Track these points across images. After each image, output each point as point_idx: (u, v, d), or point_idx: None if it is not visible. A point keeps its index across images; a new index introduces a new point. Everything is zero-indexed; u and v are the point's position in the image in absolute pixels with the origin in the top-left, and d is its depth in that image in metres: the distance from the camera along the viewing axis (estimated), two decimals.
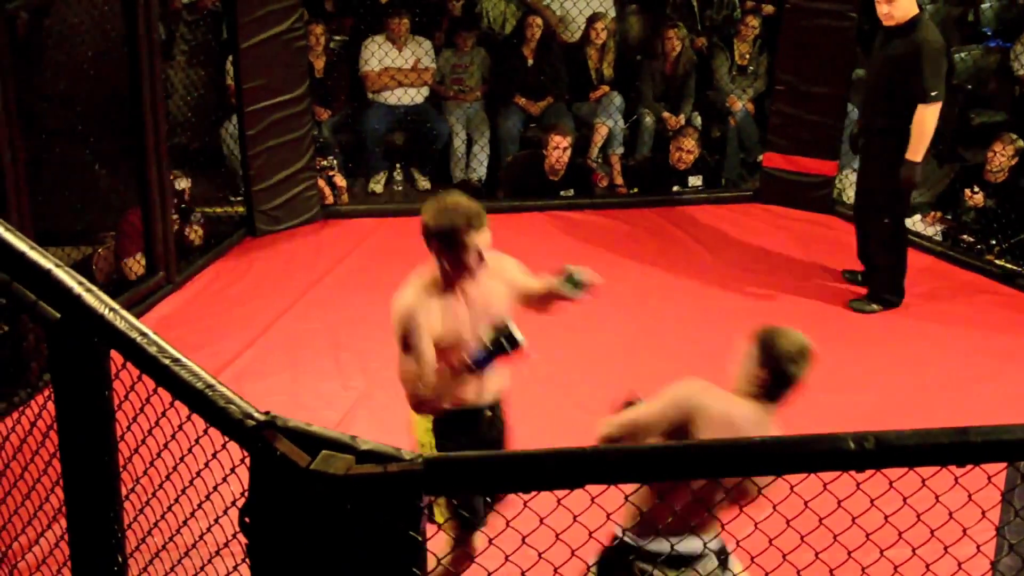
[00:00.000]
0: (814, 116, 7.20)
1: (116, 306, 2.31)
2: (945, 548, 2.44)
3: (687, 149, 7.57)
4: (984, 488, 2.40)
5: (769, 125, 7.49)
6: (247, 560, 2.10)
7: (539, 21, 7.86)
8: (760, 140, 7.80)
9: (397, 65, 7.71)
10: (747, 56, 8.03)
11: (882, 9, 5.76)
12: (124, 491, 2.52)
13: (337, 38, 7.94)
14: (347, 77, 7.77)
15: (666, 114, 7.98)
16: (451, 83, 7.96)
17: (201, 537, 2.47)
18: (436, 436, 3.57)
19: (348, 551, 2.00)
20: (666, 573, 3.08)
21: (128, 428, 2.49)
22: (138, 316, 2.62)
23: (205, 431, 2.24)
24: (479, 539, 3.62)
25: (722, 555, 3.20)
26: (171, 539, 2.57)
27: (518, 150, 7.79)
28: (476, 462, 2.10)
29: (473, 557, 3.57)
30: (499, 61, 8.00)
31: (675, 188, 7.64)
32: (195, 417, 2.18)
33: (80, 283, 2.34)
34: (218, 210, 7.07)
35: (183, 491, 2.49)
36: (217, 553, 2.41)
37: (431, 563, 2.18)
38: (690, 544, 3.01)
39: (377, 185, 7.74)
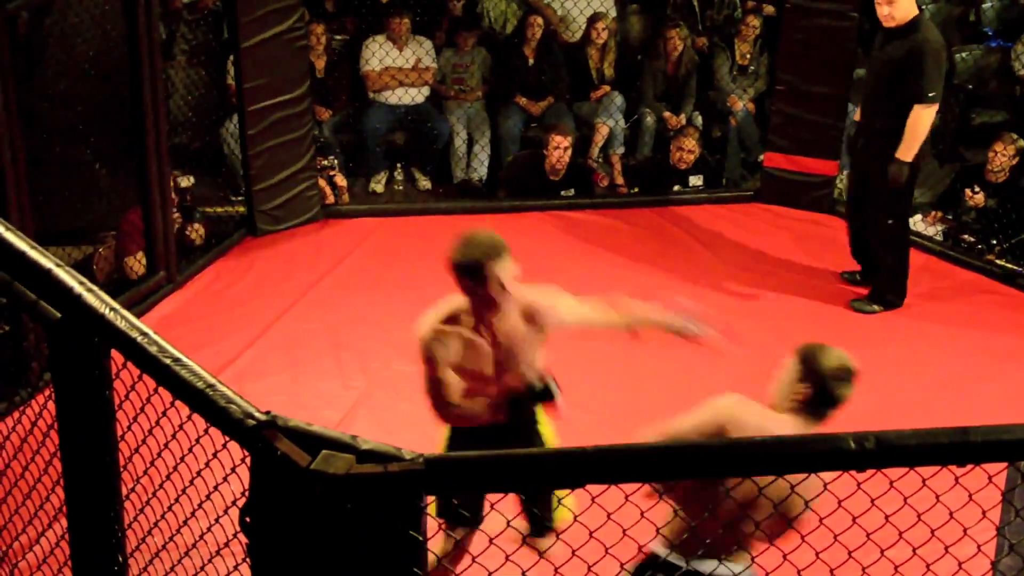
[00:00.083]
0: (815, 116, 7.20)
1: (117, 306, 2.31)
2: (945, 548, 2.44)
3: (688, 149, 7.57)
4: (984, 488, 2.40)
5: (770, 125, 7.49)
6: (247, 560, 2.10)
7: (540, 21, 7.86)
8: (761, 140, 7.79)
9: (398, 65, 7.71)
10: (748, 56, 8.03)
11: (882, 10, 5.75)
12: (124, 491, 2.52)
13: (338, 38, 7.94)
14: (348, 77, 7.77)
15: (667, 114, 7.98)
16: (452, 83, 7.95)
17: (201, 537, 2.47)
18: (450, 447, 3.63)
19: (349, 551, 2.00)
20: None
21: (128, 428, 2.49)
22: (139, 315, 2.63)
23: (205, 431, 2.24)
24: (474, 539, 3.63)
25: None
26: (171, 539, 2.57)
27: (519, 150, 7.79)
28: (476, 462, 2.10)
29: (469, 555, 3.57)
30: (500, 61, 7.99)
31: (676, 188, 7.64)
32: (195, 417, 2.18)
33: (81, 283, 2.34)
34: (219, 210, 7.07)
35: (183, 491, 2.49)
36: (217, 553, 2.41)
37: (431, 563, 2.18)
38: (714, 567, 2.95)
39: (378, 185, 7.74)
